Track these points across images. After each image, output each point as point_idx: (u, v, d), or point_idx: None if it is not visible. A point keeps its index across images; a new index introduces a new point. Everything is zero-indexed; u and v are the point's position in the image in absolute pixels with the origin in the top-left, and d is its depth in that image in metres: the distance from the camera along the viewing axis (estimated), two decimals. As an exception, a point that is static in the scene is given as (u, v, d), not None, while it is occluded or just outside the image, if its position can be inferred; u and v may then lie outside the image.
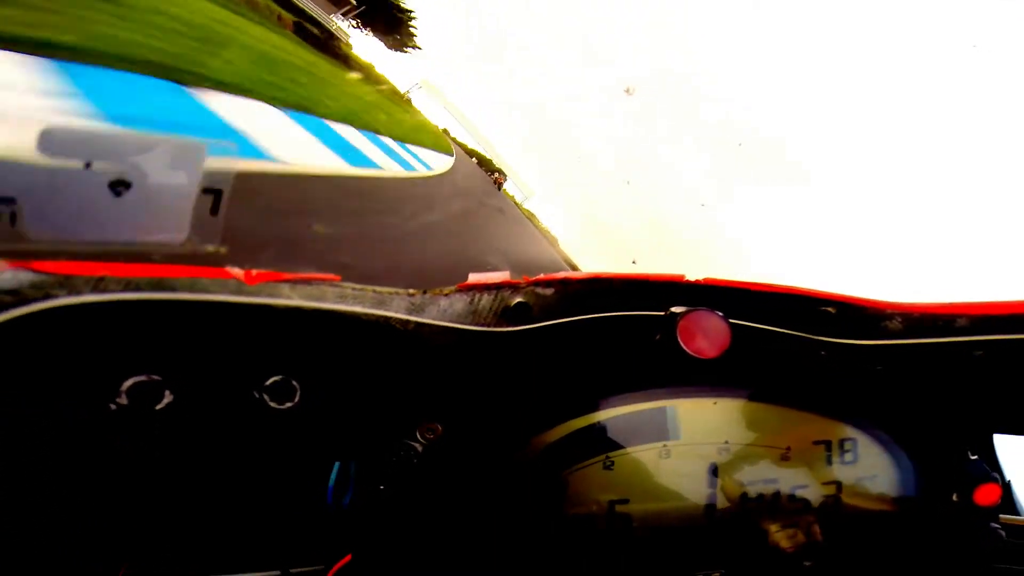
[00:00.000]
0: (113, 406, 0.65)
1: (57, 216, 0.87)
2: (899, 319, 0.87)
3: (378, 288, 0.77)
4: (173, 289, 0.67)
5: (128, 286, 0.65)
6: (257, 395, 0.70)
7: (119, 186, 0.82)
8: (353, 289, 0.76)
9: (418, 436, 0.78)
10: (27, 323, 0.61)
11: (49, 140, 0.83)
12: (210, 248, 0.81)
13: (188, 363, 0.68)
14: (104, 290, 0.64)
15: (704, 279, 0.86)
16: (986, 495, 0.91)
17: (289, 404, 0.72)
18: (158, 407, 0.66)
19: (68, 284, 0.63)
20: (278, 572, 0.75)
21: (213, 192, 0.79)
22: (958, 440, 0.92)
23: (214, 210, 0.79)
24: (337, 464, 0.77)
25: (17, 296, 0.61)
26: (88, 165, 0.84)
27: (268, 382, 0.71)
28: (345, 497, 0.77)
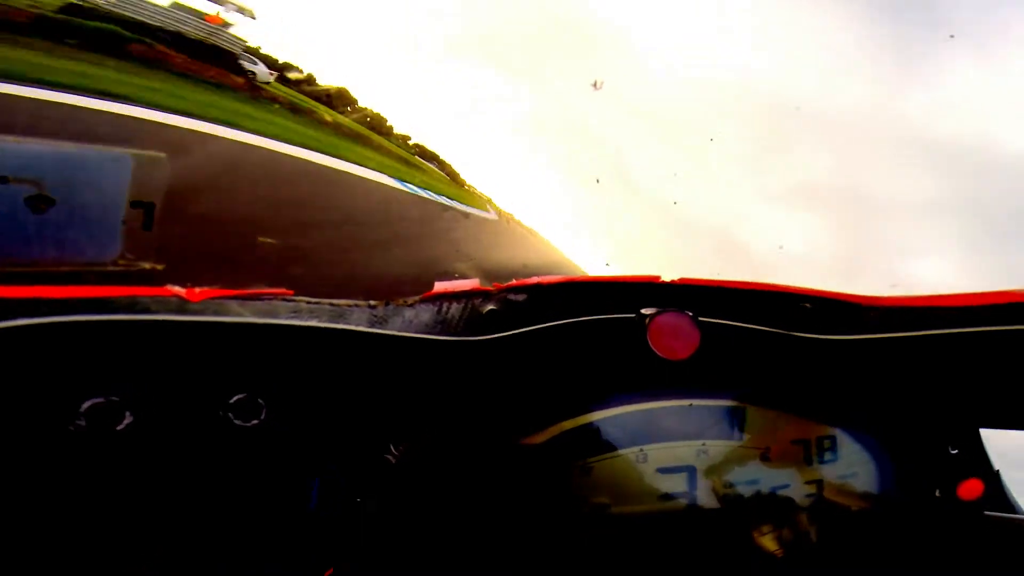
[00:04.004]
0: (72, 428, 0.62)
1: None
2: (877, 313, 0.87)
3: (335, 301, 0.74)
4: (111, 310, 0.63)
5: (63, 308, 0.61)
6: (222, 413, 0.67)
7: (39, 202, 0.76)
8: (308, 303, 0.72)
9: (392, 448, 0.75)
10: None
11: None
12: (146, 265, 0.75)
13: (144, 383, 0.65)
14: (37, 313, 0.60)
15: (679, 279, 0.84)
16: (969, 490, 0.92)
17: (255, 421, 0.69)
18: (119, 428, 0.63)
19: None
20: None
21: (143, 205, 0.73)
22: (939, 435, 0.92)
23: (146, 224, 0.73)
24: (318, 478, 0.74)
25: None
26: (3, 180, 0.77)
27: (232, 400, 0.68)
28: (321, 511, 0.74)
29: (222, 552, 0.71)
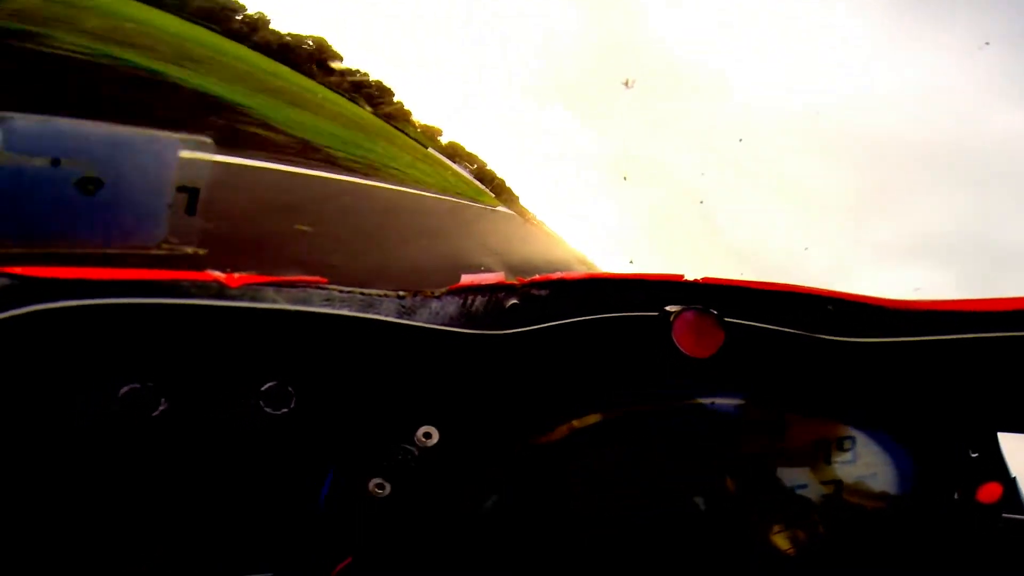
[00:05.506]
0: (109, 414, 0.65)
1: (27, 216, 0.84)
2: (900, 316, 0.87)
3: (366, 290, 0.76)
4: (153, 293, 0.65)
5: (106, 291, 0.63)
6: (253, 401, 0.70)
7: (89, 184, 0.79)
8: (340, 291, 0.74)
9: (415, 439, 0.77)
10: (3, 329, 0.59)
11: (13, 135, 0.79)
12: (188, 249, 0.78)
13: (180, 369, 0.68)
14: (81, 295, 0.62)
15: (703, 278, 0.84)
16: (988, 493, 0.91)
17: (285, 409, 0.71)
18: (154, 414, 0.66)
19: (43, 289, 0.61)
20: (270, 575, 0.74)
21: (189, 190, 0.76)
22: (959, 438, 0.91)
23: (190, 209, 0.76)
24: (333, 468, 0.76)
25: None
26: (56, 162, 0.80)
27: (264, 388, 0.70)
28: (342, 500, 0.76)
29: (243, 536, 0.74)
